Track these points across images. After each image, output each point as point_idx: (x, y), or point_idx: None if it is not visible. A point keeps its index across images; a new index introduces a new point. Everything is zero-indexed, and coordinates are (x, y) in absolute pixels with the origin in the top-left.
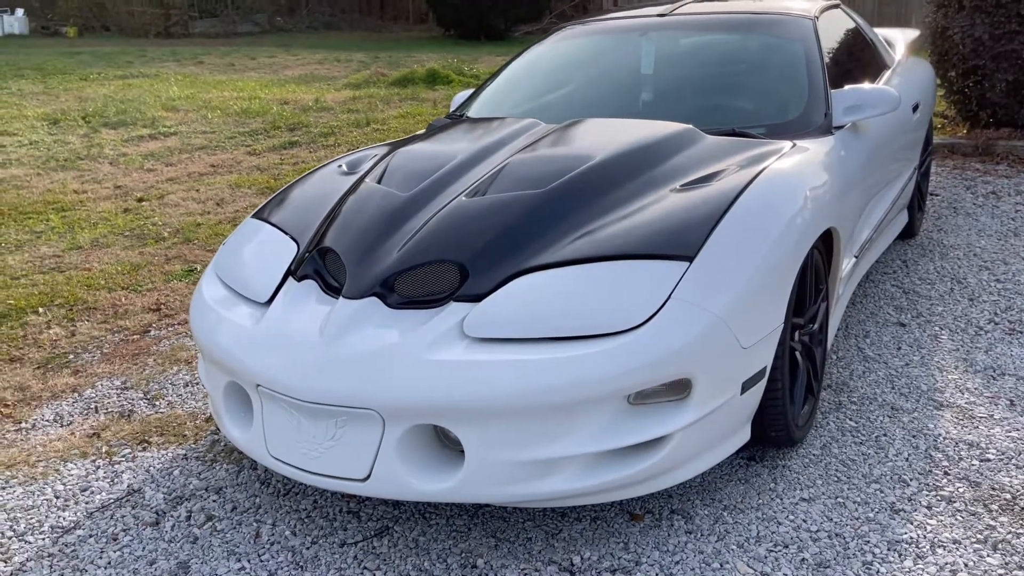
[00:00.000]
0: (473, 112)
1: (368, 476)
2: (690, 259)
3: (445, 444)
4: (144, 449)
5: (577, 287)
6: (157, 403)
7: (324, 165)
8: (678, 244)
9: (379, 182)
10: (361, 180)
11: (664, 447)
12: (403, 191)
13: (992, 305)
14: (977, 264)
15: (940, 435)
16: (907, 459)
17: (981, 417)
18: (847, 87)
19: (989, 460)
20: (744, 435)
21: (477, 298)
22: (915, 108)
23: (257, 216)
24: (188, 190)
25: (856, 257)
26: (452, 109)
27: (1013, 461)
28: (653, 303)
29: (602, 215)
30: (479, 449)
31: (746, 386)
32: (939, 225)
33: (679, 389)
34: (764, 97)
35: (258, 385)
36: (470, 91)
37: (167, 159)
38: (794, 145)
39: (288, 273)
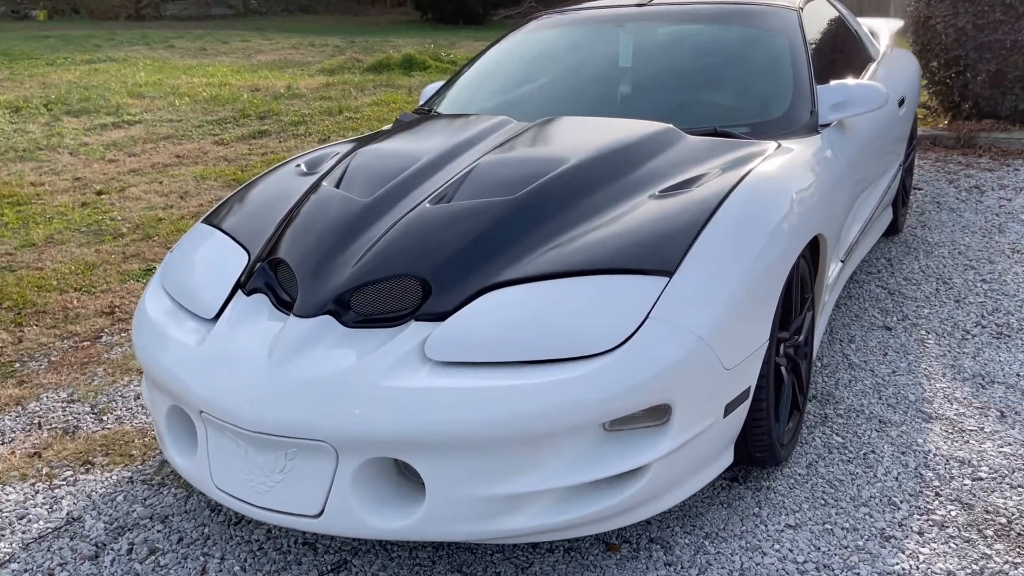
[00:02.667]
0: (443, 107)
1: (321, 512)
2: (669, 274)
3: (406, 476)
4: (87, 471)
5: (548, 305)
6: (104, 418)
7: (282, 164)
8: (657, 258)
9: (338, 185)
10: (319, 183)
11: (641, 477)
12: (363, 196)
13: (979, 307)
14: (962, 263)
15: (930, 451)
16: (897, 479)
17: (971, 430)
18: (833, 83)
19: (981, 479)
20: (727, 458)
21: (440, 317)
22: (901, 102)
23: (208, 221)
24: (151, 182)
25: (843, 261)
26: (422, 103)
27: (1007, 480)
28: (630, 323)
29: (576, 224)
30: (441, 484)
31: (729, 408)
32: (923, 221)
33: (658, 414)
34: (747, 94)
35: (201, 411)
36: (441, 83)
37: (130, 149)
38: (779, 146)
39: (237, 286)
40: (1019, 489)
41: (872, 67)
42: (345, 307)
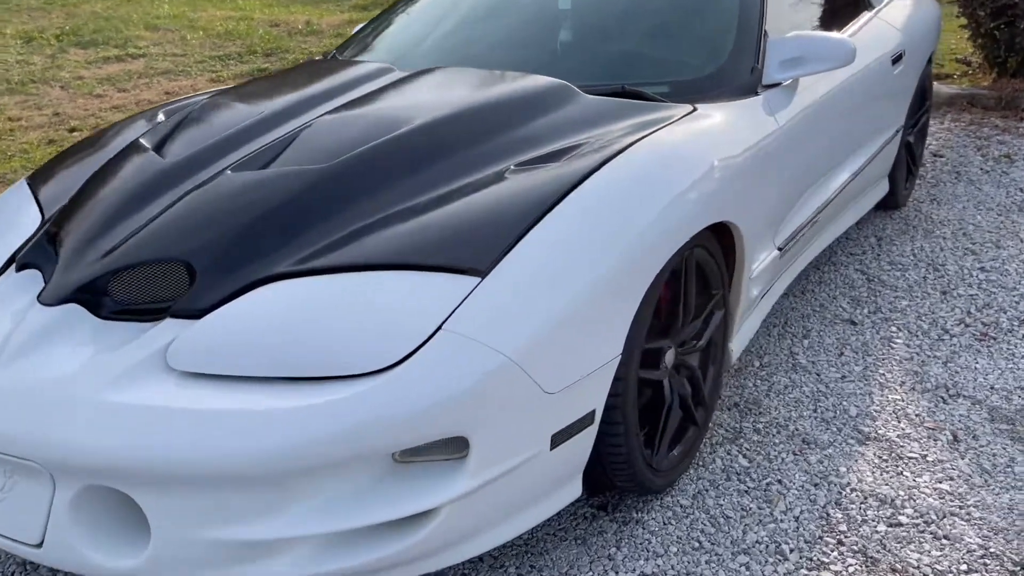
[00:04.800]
0: (348, 52)
1: (41, 542)
2: (481, 274)
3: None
4: None
5: (325, 307)
6: None
7: (142, 113)
8: (470, 253)
9: (159, 143)
10: (138, 139)
11: (430, 522)
12: (173, 156)
13: (967, 301)
14: (964, 246)
15: (849, 484)
16: (797, 519)
17: (910, 458)
18: (791, 34)
19: (900, 525)
20: (571, 492)
21: (198, 313)
22: (896, 59)
23: (30, 179)
24: None
25: (782, 249)
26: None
27: (931, 528)
28: (415, 336)
29: (397, 203)
30: (167, 523)
31: (559, 439)
32: (934, 194)
33: (455, 446)
34: (678, 45)
35: None
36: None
37: (122, 84)
38: (694, 110)
39: (11, 260)
40: (943, 543)
41: (865, 16)
42: (102, 294)
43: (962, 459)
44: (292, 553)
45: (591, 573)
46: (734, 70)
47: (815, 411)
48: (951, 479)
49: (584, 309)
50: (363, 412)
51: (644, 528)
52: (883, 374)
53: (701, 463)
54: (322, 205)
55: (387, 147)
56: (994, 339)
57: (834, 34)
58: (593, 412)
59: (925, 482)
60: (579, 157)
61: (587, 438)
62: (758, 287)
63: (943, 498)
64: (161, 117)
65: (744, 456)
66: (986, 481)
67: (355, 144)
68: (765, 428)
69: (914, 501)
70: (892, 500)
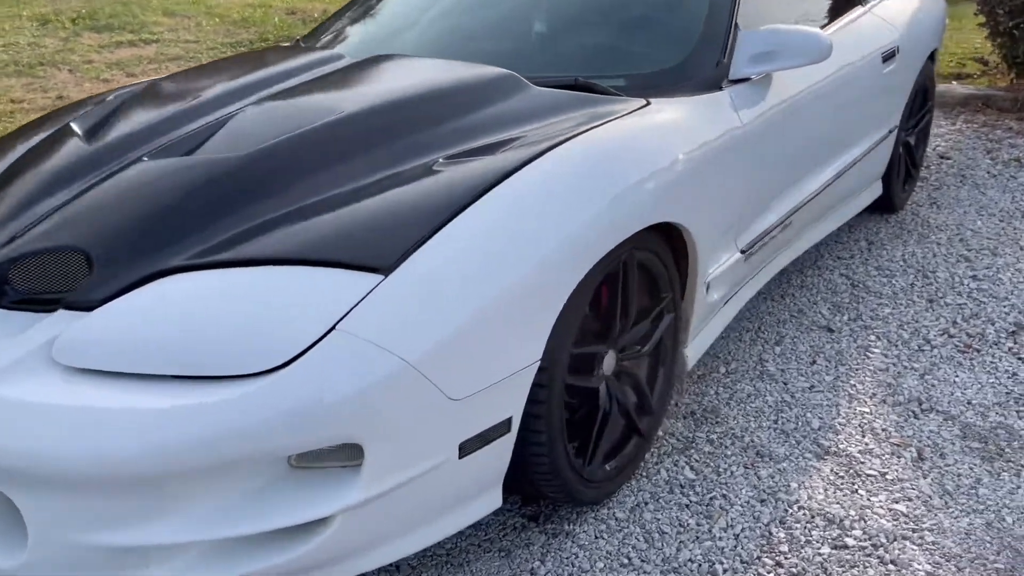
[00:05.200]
0: (315, 38)
1: None
2: (384, 273)
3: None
4: None
5: (221, 303)
6: None
7: (93, 97)
8: (374, 249)
9: (92, 127)
10: (70, 123)
11: (322, 532)
12: (97, 141)
13: (954, 310)
14: (958, 253)
15: (797, 502)
16: (736, 537)
17: (869, 475)
18: (764, 28)
19: (845, 548)
20: (489, 502)
21: (91, 306)
22: (888, 56)
23: None
24: None
25: (746, 251)
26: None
27: (878, 552)
28: (307, 336)
29: (315, 193)
30: (45, 526)
31: (470, 447)
32: (935, 198)
33: (350, 453)
34: (643, 36)
35: None
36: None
37: (131, 69)
38: (646, 104)
39: None
40: (889, 568)
41: (857, 11)
42: (3, 282)
43: (924, 478)
44: (176, 560)
45: None
46: (697, 64)
47: (776, 422)
48: (909, 500)
49: (497, 312)
50: (246, 414)
51: (573, 541)
52: (854, 385)
53: (645, 474)
54: (231, 196)
55: (308, 137)
56: (978, 351)
57: (809, 28)
58: (509, 420)
59: (880, 502)
60: (511, 151)
61: (503, 447)
62: (720, 291)
63: (897, 520)
64: (113, 98)
65: (691, 468)
66: (946, 503)
67: (279, 133)
68: (719, 439)
69: (865, 522)
70: (841, 520)
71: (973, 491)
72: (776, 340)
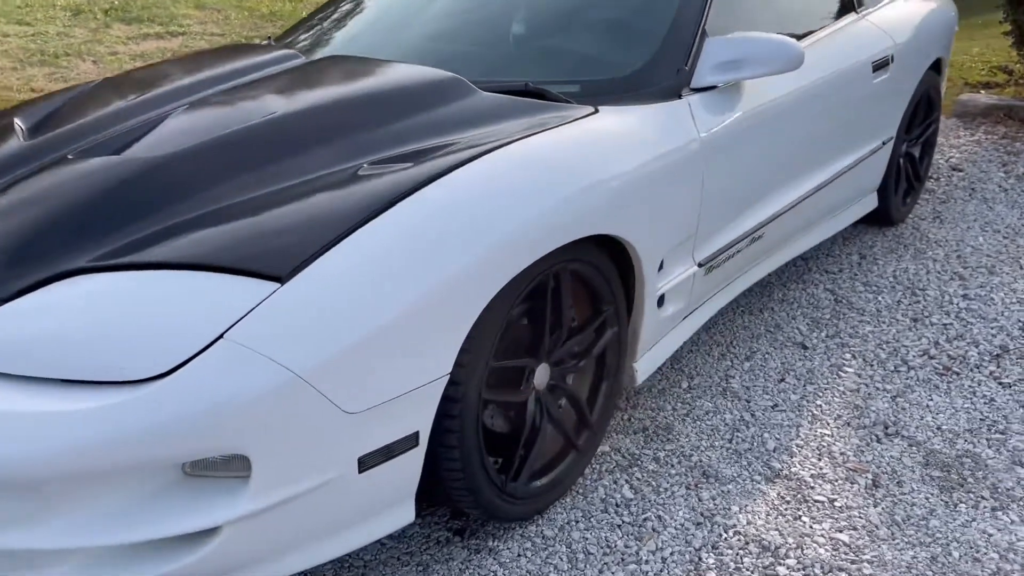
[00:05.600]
0: (285, 37)
1: None
2: (280, 281)
3: None
4: None
5: (112, 307)
6: None
7: (59, 91)
8: (273, 257)
9: (33, 122)
10: (12, 114)
11: (208, 543)
12: (34, 136)
13: (939, 331)
14: (953, 270)
15: (734, 526)
16: (664, 561)
17: (816, 501)
18: (732, 34)
19: None
20: (400, 516)
21: None
22: (881, 65)
23: None
24: None
25: (705, 264)
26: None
27: None
28: (194, 343)
29: (229, 197)
30: None
31: (371, 462)
32: (939, 211)
33: (239, 463)
34: (601, 41)
35: None
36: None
37: (153, 61)
38: (594, 112)
39: None
40: None
41: (849, 18)
42: None
43: (875, 507)
44: (63, 564)
45: None
46: (656, 71)
47: (730, 441)
48: (854, 529)
49: (400, 325)
50: (122, 423)
51: (495, 558)
52: (820, 405)
53: (582, 490)
54: (144, 198)
55: (232, 139)
56: (957, 374)
57: (780, 36)
58: (416, 434)
59: (822, 530)
60: (438, 158)
61: (411, 461)
62: (676, 304)
63: (836, 550)
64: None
65: (631, 486)
66: (893, 534)
67: (207, 134)
68: (666, 457)
69: (801, 551)
70: (776, 548)
71: (924, 522)
72: (747, 356)
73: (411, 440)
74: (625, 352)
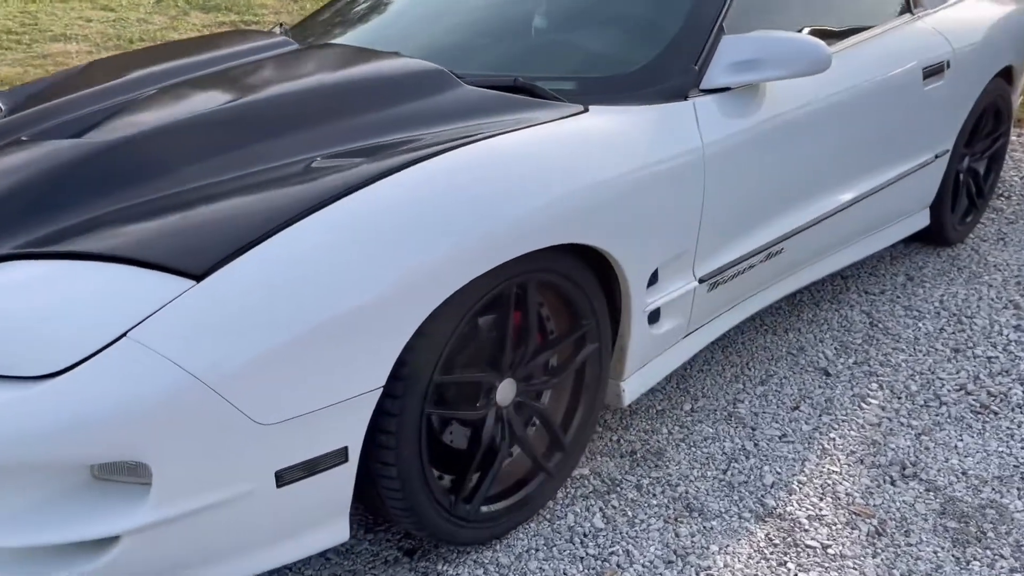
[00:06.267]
0: (298, 27)
1: None
2: (196, 278)
3: None
4: None
5: (23, 297)
6: None
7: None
8: (192, 253)
9: (11, 101)
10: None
11: (108, 552)
12: (5, 117)
13: (981, 364)
14: (1008, 298)
15: (709, 569)
16: None
17: (808, 547)
18: (753, 33)
19: None
20: (332, 534)
21: None
22: (933, 72)
23: None
24: None
25: (705, 280)
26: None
27: None
28: (94, 340)
29: (172, 186)
30: None
31: (290, 476)
32: (1005, 233)
33: (142, 471)
34: (611, 36)
35: None
36: None
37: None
38: (583, 111)
39: None
40: None
41: (902, 20)
42: None
43: (873, 558)
44: None
45: None
46: (662, 69)
47: (724, 472)
48: None
49: (325, 333)
50: (18, 419)
51: None
52: (833, 438)
53: (549, 516)
54: (79, 184)
55: (183, 126)
56: (995, 414)
57: (804, 36)
58: (345, 449)
59: None
60: (398, 154)
61: (340, 478)
62: (673, 321)
63: None
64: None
65: (604, 515)
66: None
67: (160, 120)
68: (649, 485)
69: None
70: None
71: None
72: (761, 379)
73: (339, 455)
74: (606, 371)
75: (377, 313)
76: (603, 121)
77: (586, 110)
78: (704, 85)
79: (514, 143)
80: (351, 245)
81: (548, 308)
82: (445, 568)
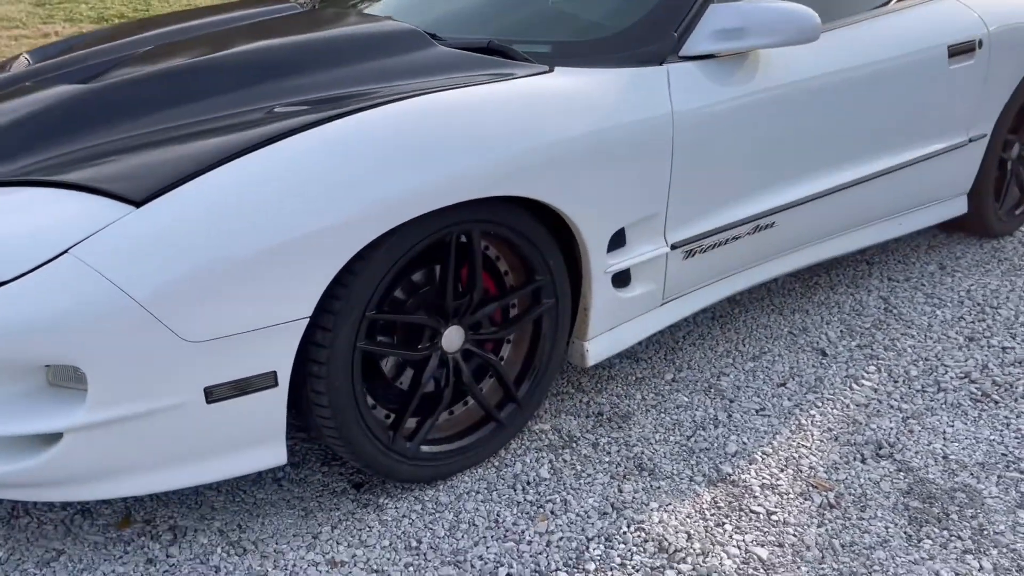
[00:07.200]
0: None
1: None
2: (136, 204)
3: None
4: None
5: None
6: None
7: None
8: (133, 181)
9: (39, 55)
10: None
11: (49, 449)
12: (26, 68)
13: (995, 353)
14: None
15: (642, 523)
16: (547, 544)
17: (753, 512)
18: (743, 1)
19: None
20: (269, 456)
21: None
22: (962, 51)
23: None
24: None
25: (678, 247)
26: None
27: None
28: (40, 255)
29: (146, 127)
30: None
31: (220, 394)
32: None
33: (81, 376)
34: (592, 2)
35: None
36: None
37: None
38: (546, 71)
39: None
40: None
41: None
42: None
43: (818, 527)
44: None
45: (286, 546)
46: (639, 34)
47: (688, 439)
48: (779, 545)
49: (255, 261)
50: None
51: (378, 515)
52: (813, 415)
53: (497, 464)
54: (61, 125)
55: (157, 76)
56: (995, 403)
57: (793, 4)
58: (274, 374)
59: (740, 541)
60: (351, 103)
61: (269, 401)
62: (645, 287)
63: (745, 564)
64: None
65: (551, 467)
66: (822, 558)
67: (147, 69)
68: (606, 445)
69: (704, 558)
70: (676, 551)
71: (867, 551)
72: (754, 356)
73: (268, 379)
74: (563, 328)
75: (305, 247)
76: (565, 81)
77: (551, 70)
78: (685, 52)
79: (457, 97)
80: (285, 183)
81: (505, 262)
82: (386, 501)
